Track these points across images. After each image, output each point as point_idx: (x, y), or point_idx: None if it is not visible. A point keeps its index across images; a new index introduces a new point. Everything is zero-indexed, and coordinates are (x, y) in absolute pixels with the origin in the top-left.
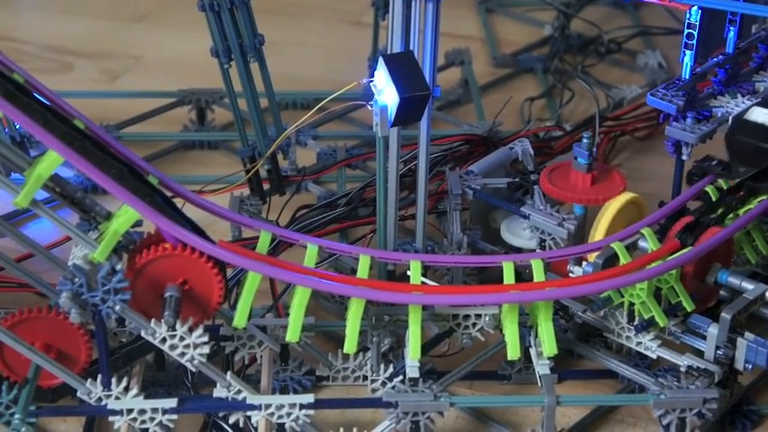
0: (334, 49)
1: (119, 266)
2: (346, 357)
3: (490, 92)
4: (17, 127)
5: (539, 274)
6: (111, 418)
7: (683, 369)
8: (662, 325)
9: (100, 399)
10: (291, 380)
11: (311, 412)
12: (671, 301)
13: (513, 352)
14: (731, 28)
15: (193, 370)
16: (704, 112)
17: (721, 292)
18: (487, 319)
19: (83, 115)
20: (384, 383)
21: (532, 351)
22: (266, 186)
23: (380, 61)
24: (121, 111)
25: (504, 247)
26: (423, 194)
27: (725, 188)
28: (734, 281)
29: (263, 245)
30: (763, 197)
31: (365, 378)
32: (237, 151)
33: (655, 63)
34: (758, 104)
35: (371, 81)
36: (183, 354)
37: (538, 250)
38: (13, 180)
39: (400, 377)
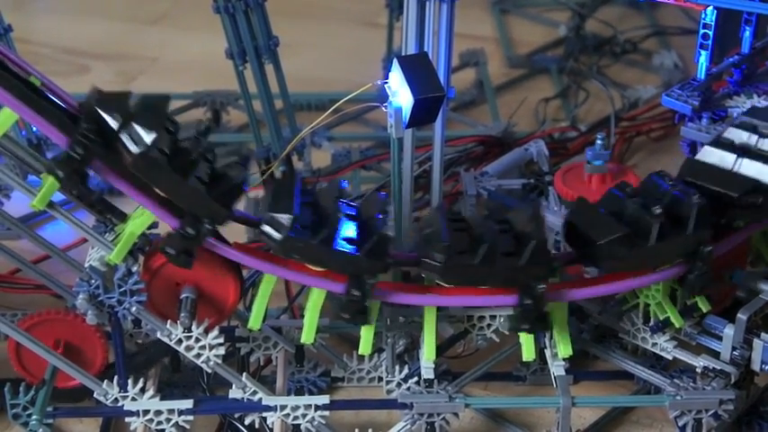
0: (349, 50)
1: (135, 268)
2: (361, 359)
3: (505, 92)
4: (34, 129)
5: None
6: (127, 419)
7: (698, 370)
8: (678, 326)
9: (116, 400)
10: (307, 381)
11: (326, 413)
12: (686, 301)
13: (528, 353)
14: (747, 28)
15: (209, 371)
16: (720, 113)
17: (738, 293)
18: (502, 320)
19: None
20: (399, 385)
21: (547, 352)
22: None
23: (395, 62)
24: None
25: None
26: (437, 196)
27: None
28: (750, 281)
29: None
30: None
31: (380, 379)
32: (253, 153)
33: (670, 63)
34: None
35: (386, 82)
36: (198, 355)
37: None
38: (30, 182)
39: (415, 378)
